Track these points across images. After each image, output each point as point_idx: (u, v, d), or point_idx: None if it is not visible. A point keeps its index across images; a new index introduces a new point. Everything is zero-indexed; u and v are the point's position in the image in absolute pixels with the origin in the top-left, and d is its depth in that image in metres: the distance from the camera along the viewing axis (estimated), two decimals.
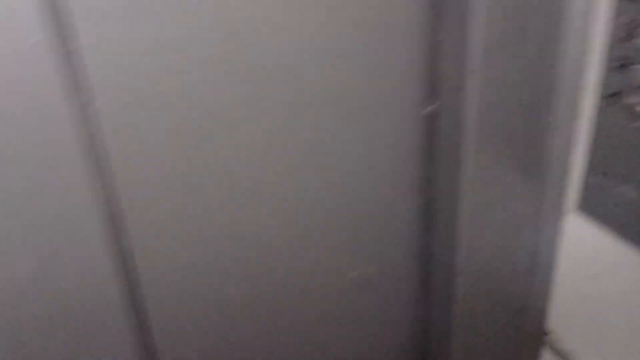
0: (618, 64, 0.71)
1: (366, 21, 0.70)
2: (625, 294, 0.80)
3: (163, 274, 0.75)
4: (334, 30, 0.69)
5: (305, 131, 0.74)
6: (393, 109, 0.77)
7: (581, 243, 0.85)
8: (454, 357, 0.93)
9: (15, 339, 0.70)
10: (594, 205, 0.81)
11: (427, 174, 0.83)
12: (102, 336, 0.74)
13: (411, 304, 0.95)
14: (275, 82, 0.69)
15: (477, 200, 0.78)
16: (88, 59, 0.59)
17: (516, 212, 0.82)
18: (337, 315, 0.91)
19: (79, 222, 0.66)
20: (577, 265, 0.88)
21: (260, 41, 0.66)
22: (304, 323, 0.89)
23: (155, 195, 0.70)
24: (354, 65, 0.72)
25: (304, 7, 0.66)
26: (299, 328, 0.89)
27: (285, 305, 0.86)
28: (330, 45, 0.70)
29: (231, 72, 0.67)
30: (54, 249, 0.67)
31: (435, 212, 0.85)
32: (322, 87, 0.72)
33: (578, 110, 0.77)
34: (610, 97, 0.73)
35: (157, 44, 0.62)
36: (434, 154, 0.80)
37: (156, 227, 0.72)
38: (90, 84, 0.61)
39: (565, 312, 0.92)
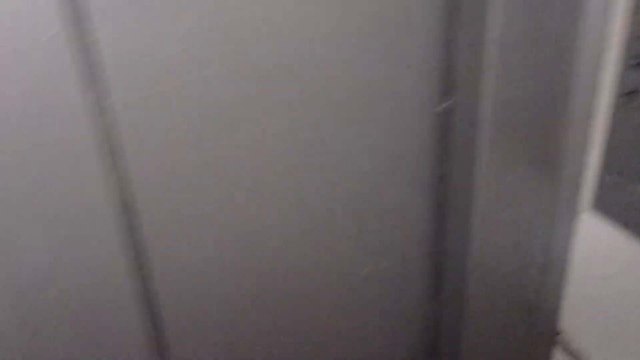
0: (635, 62, 0.70)
1: (381, 17, 0.70)
2: (639, 293, 0.79)
3: (175, 269, 0.75)
4: (348, 26, 0.69)
5: (319, 128, 0.74)
6: (407, 105, 0.76)
7: (595, 242, 0.85)
8: (464, 355, 0.92)
9: (30, 331, 0.71)
10: (609, 204, 0.80)
11: (441, 171, 0.82)
12: (114, 329, 0.75)
13: (422, 301, 0.95)
14: (291, 78, 0.69)
15: (490, 198, 0.78)
16: (105, 52, 0.60)
17: (530, 210, 0.82)
18: (348, 312, 0.91)
19: (92, 215, 0.67)
20: (591, 264, 0.87)
21: (280, 38, 0.66)
22: (314, 319, 0.89)
23: (169, 190, 0.70)
24: (369, 61, 0.72)
25: (319, 4, 0.66)
26: (309, 324, 0.89)
27: (297, 301, 0.86)
28: (345, 41, 0.69)
29: (249, 67, 0.67)
30: (67, 243, 0.67)
31: (449, 210, 0.84)
32: (337, 84, 0.72)
33: (594, 108, 0.77)
34: (627, 95, 0.72)
35: (174, 38, 0.62)
36: (448, 150, 0.80)
37: (169, 222, 0.72)
38: (106, 77, 0.61)
39: (578, 312, 0.92)
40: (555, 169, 0.79)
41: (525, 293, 0.90)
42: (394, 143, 0.79)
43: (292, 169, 0.75)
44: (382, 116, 0.76)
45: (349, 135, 0.76)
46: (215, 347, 0.84)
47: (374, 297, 0.91)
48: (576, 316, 0.92)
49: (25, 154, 0.61)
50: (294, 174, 0.75)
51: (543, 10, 0.67)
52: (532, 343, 0.95)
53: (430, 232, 0.88)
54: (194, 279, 0.77)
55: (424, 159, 0.81)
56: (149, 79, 0.63)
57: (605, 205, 0.81)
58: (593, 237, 0.85)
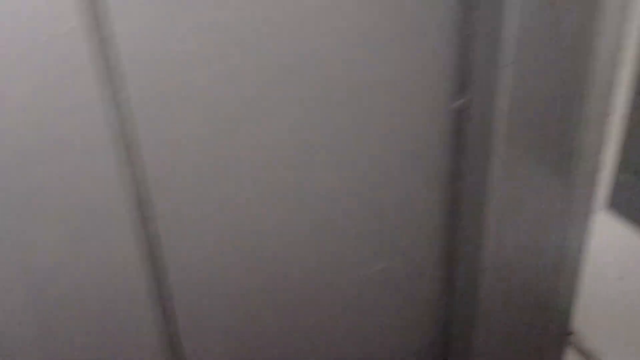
0: None
1: (397, 13, 0.69)
2: None
3: (189, 263, 0.75)
4: (364, 23, 0.69)
5: (334, 124, 0.74)
6: (422, 102, 0.76)
7: (609, 242, 0.84)
8: (475, 355, 0.92)
9: (44, 325, 0.71)
10: (624, 204, 0.80)
11: (455, 168, 0.82)
12: (127, 321, 0.75)
13: (434, 300, 0.95)
14: (306, 75, 0.69)
15: (504, 196, 0.78)
16: (121, 46, 0.60)
17: (544, 209, 0.81)
18: (359, 310, 0.91)
19: (107, 209, 0.67)
20: (605, 264, 0.86)
21: (297, 34, 0.66)
22: (325, 316, 0.89)
23: (184, 185, 0.70)
24: (383, 57, 0.72)
25: (335, 1, 0.66)
26: (319, 321, 0.89)
27: (308, 298, 0.86)
28: (360, 38, 0.69)
29: (268, 64, 0.66)
30: (82, 237, 0.68)
31: (462, 208, 0.84)
32: (352, 80, 0.71)
33: (611, 106, 0.76)
34: None
35: (191, 32, 0.62)
36: (463, 148, 0.80)
37: (184, 216, 0.72)
38: (123, 71, 0.61)
39: (591, 312, 0.91)
40: (571, 168, 0.79)
41: (538, 292, 0.89)
42: (408, 140, 0.78)
43: (308, 165, 0.75)
44: (396, 113, 0.76)
45: (363, 132, 0.76)
46: (226, 342, 0.84)
47: (385, 295, 0.91)
48: (589, 316, 0.92)
49: (39, 147, 0.61)
50: (309, 170, 0.75)
51: (560, 7, 0.67)
52: (544, 343, 0.95)
53: (443, 230, 0.88)
54: (208, 274, 0.77)
55: (438, 156, 0.81)
56: (166, 73, 0.63)
57: (621, 204, 0.80)
58: (607, 236, 0.84)
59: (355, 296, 0.89)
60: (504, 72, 0.68)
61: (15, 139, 0.60)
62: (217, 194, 0.72)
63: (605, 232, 0.84)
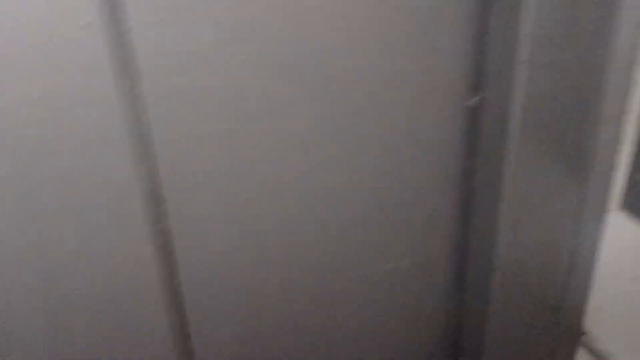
0: None
1: (413, 10, 0.69)
2: None
3: (200, 259, 0.76)
4: (380, 20, 0.68)
5: (346, 121, 0.73)
6: (437, 99, 0.76)
7: (623, 242, 0.84)
8: (487, 354, 0.92)
9: (58, 319, 0.71)
10: (638, 204, 0.79)
11: (468, 167, 0.82)
12: (138, 316, 0.75)
13: (445, 299, 0.94)
14: (319, 71, 0.69)
15: (518, 194, 0.77)
16: (138, 40, 0.60)
17: (558, 209, 0.81)
18: (370, 308, 0.91)
19: (120, 203, 0.67)
20: (618, 264, 0.86)
21: (313, 30, 0.66)
22: (336, 314, 0.89)
23: (197, 180, 0.70)
24: (398, 54, 0.71)
25: None
26: (330, 319, 0.89)
27: (319, 297, 0.86)
28: (376, 34, 0.69)
29: (282, 60, 0.66)
30: (95, 231, 0.68)
31: (475, 206, 0.83)
32: (367, 77, 0.71)
33: (627, 106, 0.76)
34: None
35: (206, 27, 0.62)
36: (476, 146, 0.79)
37: (196, 212, 0.72)
38: (139, 66, 0.61)
39: (603, 313, 0.91)
40: (585, 167, 0.78)
41: (550, 292, 0.89)
42: (422, 137, 0.78)
43: (321, 163, 0.75)
44: (411, 110, 0.76)
45: (378, 130, 0.75)
46: (236, 338, 0.84)
47: (397, 294, 0.91)
48: (601, 317, 0.91)
49: (54, 141, 0.61)
50: (322, 167, 0.75)
51: (577, 5, 0.66)
52: (556, 343, 0.94)
53: (455, 229, 0.87)
54: (220, 269, 0.77)
55: (451, 153, 0.81)
56: (181, 69, 0.63)
57: (635, 204, 0.80)
58: (621, 237, 0.84)
59: (367, 295, 0.89)
60: (520, 70, 0.67)
61: (30, 133, 0.60)
62: (229, 190, 0.72)
63: (619, 232, 0.83)
